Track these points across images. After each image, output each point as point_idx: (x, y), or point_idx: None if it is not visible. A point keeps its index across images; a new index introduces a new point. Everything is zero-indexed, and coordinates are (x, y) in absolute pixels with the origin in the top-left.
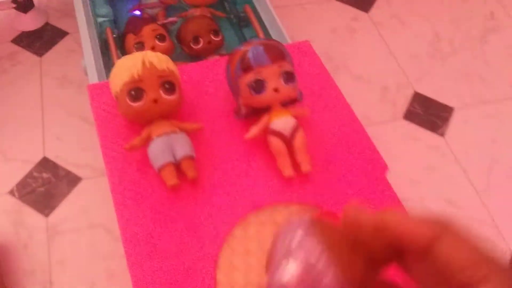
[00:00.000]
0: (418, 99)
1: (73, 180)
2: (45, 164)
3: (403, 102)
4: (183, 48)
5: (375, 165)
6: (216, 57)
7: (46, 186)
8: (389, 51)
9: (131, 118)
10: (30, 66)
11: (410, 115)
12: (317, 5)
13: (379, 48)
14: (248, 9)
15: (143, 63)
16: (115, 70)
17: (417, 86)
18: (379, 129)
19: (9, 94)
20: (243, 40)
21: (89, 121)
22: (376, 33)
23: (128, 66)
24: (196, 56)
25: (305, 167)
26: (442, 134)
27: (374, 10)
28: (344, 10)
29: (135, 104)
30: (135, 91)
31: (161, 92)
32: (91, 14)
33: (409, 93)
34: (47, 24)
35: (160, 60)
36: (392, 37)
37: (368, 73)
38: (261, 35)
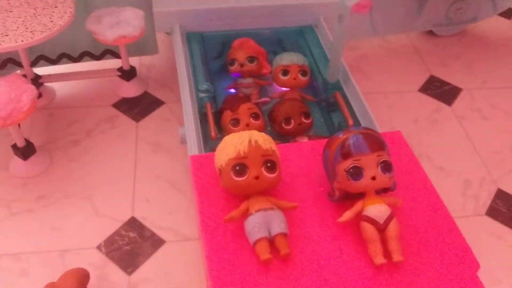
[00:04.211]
0: (502, 196)
1: (157, 242)
2: (133, 223)
3: (485, 198)
4: (273, 127)
5: (466, 262)
6: (305, 138)
7: (131, 245)
8: (471, 145)
9: (232, 191)
10: (127, 130)
11: (493, 212)
12: (399, 95)
13: (461, 141)
14: (338, 95)
15: (250, 141)
16: (221, 146)
17: (500, 183)
18: (460, 223)
19: (106, 153)
20: (330, 124)
21: (177, 187)
22: (459, 126)
23: (235, 143)
24: (286, 136)
25: (397, 257)
26: None
27: (456, 103)
28: (427, 102)
29: (238, 179)
30: (240, 166)
31: (263, 169)
32: (194, 89)
33: (492, 189)
34: (146, 92)
35: (265, 140)
36: (474, 131)
37: (449, 165)
38: (350, 121)
